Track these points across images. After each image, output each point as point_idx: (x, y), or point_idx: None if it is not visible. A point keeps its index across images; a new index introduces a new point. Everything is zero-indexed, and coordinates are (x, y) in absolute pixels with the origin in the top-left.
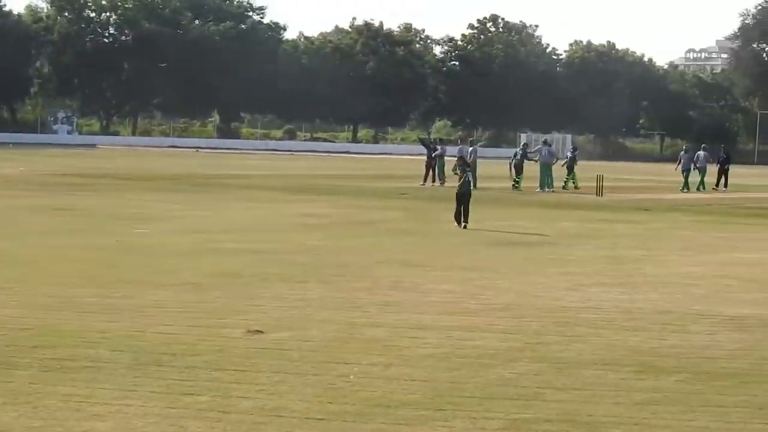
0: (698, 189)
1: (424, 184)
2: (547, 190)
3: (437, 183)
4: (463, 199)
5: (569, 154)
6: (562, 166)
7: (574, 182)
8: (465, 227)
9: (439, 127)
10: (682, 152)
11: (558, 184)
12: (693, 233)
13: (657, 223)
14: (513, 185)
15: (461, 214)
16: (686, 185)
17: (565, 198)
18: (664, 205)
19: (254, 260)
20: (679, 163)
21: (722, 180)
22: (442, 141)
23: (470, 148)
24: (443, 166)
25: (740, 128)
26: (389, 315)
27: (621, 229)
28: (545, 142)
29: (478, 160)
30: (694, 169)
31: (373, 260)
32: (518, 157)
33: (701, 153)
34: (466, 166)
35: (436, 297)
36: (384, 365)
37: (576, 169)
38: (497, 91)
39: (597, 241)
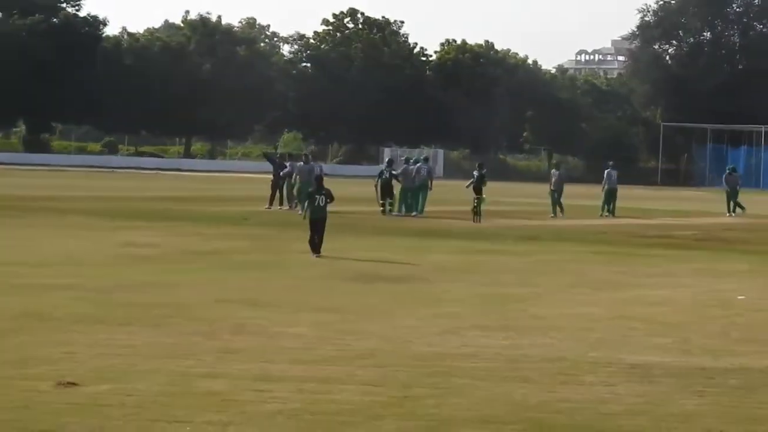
0: (607, 214)
1: (270, 208)
2: (414, 213)
3: (286, 207)
4: (317, 225)
5: (476, 173)
6: (467, 186)
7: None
8: (318, 256)
9: (288, 140)
10: (553, 170)
11: (464, 207)
12: (587, 267)
13: (545, 254)
14: (382, 210)
15: (314, 242)
16: (556, 208)
17: (438, 225)
18: (552, 232)
19: (67, 298)
20: (550, 184)
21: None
22: (291, 156)
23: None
24: (293, 187)
25: (640, 143)
26: (230, 364)
27: (503, 261)
28: (425, 159)
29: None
30: (603, 189)
31: (212, 299)
32: (385, 176)
33: (612, 172)
34: (320, 189)
35: (287, 342)
36: (222, 424)
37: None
38: (355, 98)
39: (476, 276)
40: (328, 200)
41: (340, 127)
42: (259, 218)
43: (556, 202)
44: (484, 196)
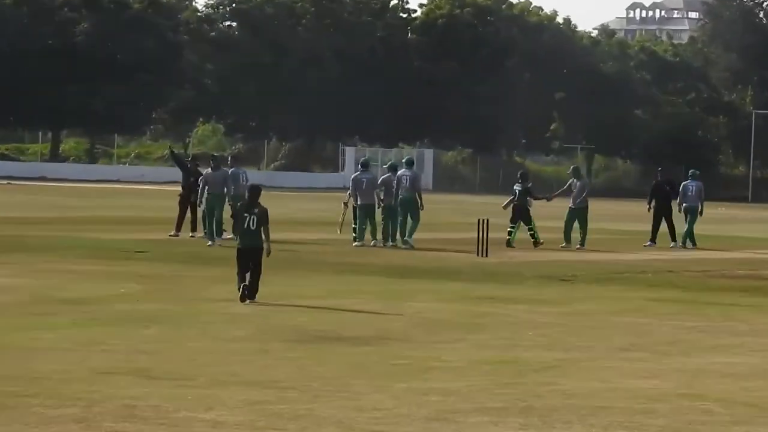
0: (684, 244)
1: (177, 234)
2: (392, 243)
3: (199, 234)
4: (247, 258)
5: (518, 188)
6: (506, 207)
7: (534, 234)
8: (250, 302)
9: (204, 135)
10: (572, 179)
11: (462, 234)
12: (644, 321)
13: (582, 302)
14: (354, 237)
15: (247, 284)
16: (582, 236)
17: (427, 260)
18: (593, 270)
19: None
20: (564, 192)
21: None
22: (215, 158)
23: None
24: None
25: (722, 139)
26: None
27: (520, 314)
28: (409, 163)
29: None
30: (679, 210)
31: (88, 367)
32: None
33: (692, 184)
34: (252, 205)
35: None
36: None
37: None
38: (303, 74)
39: (482, 334)
40: (263, 224)
41: (281, 117)
42: (161, 250)
43: (578, 226)
44: (532, 224)
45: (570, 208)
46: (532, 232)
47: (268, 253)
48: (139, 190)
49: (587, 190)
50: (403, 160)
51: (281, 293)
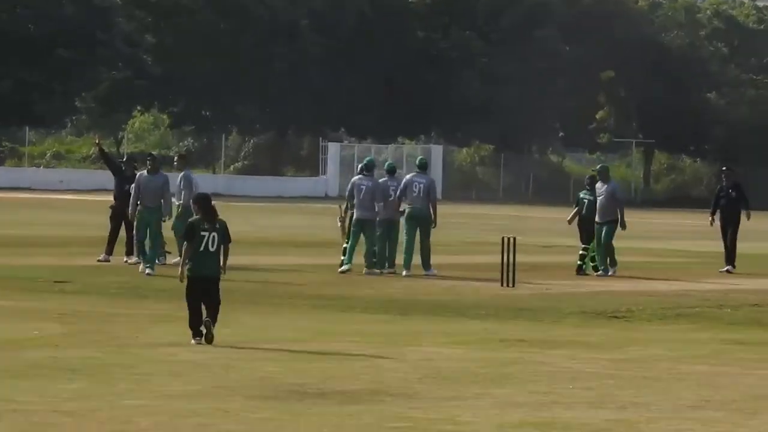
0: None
1: (108, 259)
2: (388, 270)
3: (134, 259)
4: (202, 288)
5: (586, 197)
6: (571, 221)
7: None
8: (200, 342)
9: (143, 126)
10: (597, 183)
11: (484, 258)
12: (721, 370)
13: (639, 346)
14: (341, 263)
15: (200, 319)
16: (606, 259)
17: (434, 291)
18: (655, 305)
19: None
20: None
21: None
22: (152, 158)
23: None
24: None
25: None
26: None
27: (559, 361)
28: (422, 166)
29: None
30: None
31: None
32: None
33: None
34: (208, 218)
35: None
36: None
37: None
38: (270, 46)
39: (506, 389)
40: (224, 244)
41: (244, 105)
42: (88, 279)
43: (602, 246)
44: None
45: (596, 222)
46: (592, 254)
47: (223, 273)
48: (57, 200)
49: (618, 198)
50: (416, 162)
51: (245, 336)
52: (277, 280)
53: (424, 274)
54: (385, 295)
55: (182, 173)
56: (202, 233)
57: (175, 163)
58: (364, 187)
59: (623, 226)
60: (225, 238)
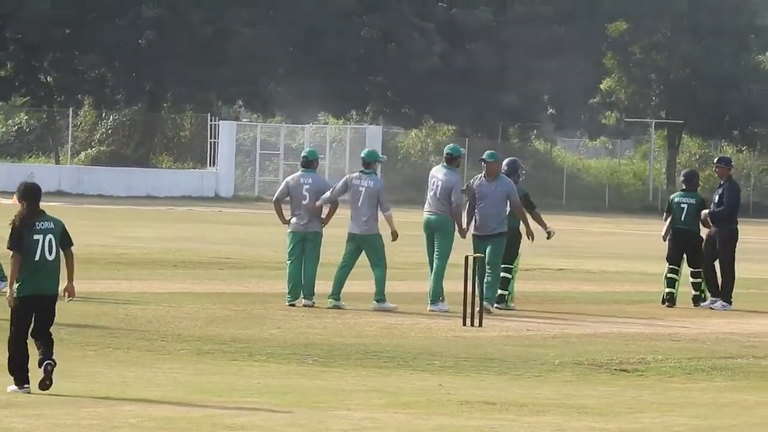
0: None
1: None
2: (388, 305)
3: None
4: (32, 312)
5: (685, 201)
6: (667, 237)
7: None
8: (42, 385)
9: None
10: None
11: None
12: None
13: (654, 412)
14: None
15: (26, 357)
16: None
17: (365, 331)
18: (678, 353)
19: None
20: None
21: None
22: None
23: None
24: None
25: None
26: None
27: None
28: (452, 160)
29: None
30: None
31: None
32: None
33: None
34: (36, 216)
35: None
36: None
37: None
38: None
39: None
40: (67, 244)
41: (99, 66)
42: None
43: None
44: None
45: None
46: (699, 281)
47: (71, 295)
48: None
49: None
50: (447, 150)
51: (100, 393)
52: (144, 314)
53: (429, 310)
54: (297, 338)
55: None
56: (34, 237)
57: None
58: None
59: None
60: (64, 242)
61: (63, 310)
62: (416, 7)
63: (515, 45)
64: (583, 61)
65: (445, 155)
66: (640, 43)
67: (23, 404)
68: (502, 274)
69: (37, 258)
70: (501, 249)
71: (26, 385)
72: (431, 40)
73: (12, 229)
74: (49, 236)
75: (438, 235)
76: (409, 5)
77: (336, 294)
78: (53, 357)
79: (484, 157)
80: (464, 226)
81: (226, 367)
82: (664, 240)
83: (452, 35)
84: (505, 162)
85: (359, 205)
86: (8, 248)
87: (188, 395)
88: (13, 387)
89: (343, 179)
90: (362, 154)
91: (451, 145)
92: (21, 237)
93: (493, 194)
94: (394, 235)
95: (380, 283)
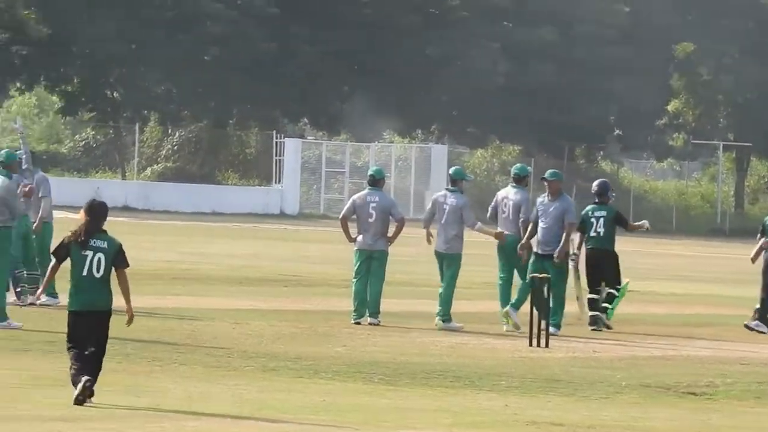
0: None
1: None
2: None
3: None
4: (85, 327)
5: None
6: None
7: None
8: (83, 401)
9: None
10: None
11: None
12: None
13: None
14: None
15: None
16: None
17: (432, 349)
18: (750, 377)
19: None
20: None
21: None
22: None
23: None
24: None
25: None
26: None
27: None
28: (518, 180)
29: None
30: None
31: None
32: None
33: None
34: (94, 230)
35: None
36: None
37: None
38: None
39: None
40: (119, 265)
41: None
42: None
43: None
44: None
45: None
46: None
47: (130, 320)
48: None
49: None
50: (515, 170)
51: (166, 408)
52: (210, 330)
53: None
54: (363, 356)
55: (36, 174)
56: (83, 252)
57: (21, 160)
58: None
59: None
60: (117, 260)
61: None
62: (481, 26)
63: (581, 65)
64: (650, 82)
65: (512, 175)
66: (707, 65)
67: (89, 418)
68: (608, 290)
69: (84, 273)
70: (562, 268)
71: (81, 399)
72: (496, 59)
73: (62, 239)
74: (99, 255)
75: (514, 254)
76: (475, 24)
77: (443, 313)
78: (96, 374)
79: (545, 175)
80: (523, 240)
81: (291, 385)
82: (753, 262)
83: (517, 55)
84: (595, 183)
85: (444, 222)
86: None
87: (253, 412)
88: (77, 393)
89: (432, 199)
90: (450, 172)
91: (519, 165)
92: (66, 250)
93: (552, 213)
94: (497, 236)
95: (447, 302)
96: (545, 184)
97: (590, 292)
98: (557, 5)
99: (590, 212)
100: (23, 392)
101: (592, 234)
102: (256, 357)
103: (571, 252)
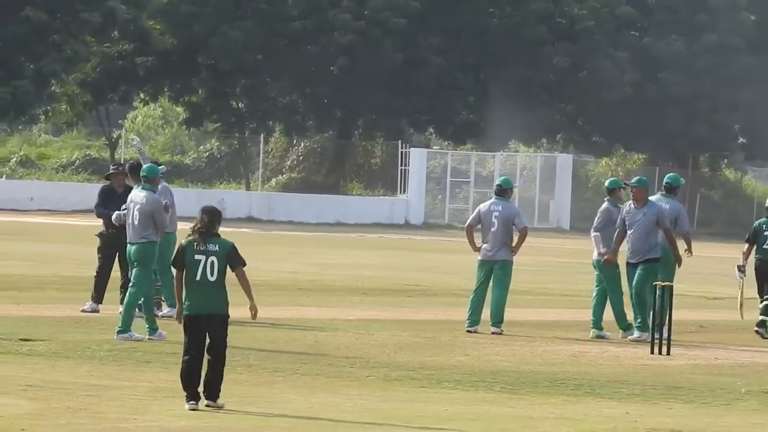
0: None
1: (97, 308)
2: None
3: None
4: (201, 330)
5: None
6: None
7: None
8: (204, 403)
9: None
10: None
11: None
12: None
13: None
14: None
15: (191, 378)
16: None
17: (553, 358)
18: None
19: None
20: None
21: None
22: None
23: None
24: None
25: None
26: None
27: None
28: (671, 186)
29: None
30: None
31: None
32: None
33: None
34: (209, 234)
35: None
36: None
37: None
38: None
39: None
40: (234, 265)
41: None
42: (63, 338)
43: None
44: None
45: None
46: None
47: (254, 314)
48: (25, 224)
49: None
50: (667, 180)
51: (288, 416)
52: (333, 341)
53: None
54: (485, 365)
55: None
56: (196, 257)
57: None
58: (496, 216)
59: None
60: (232, 261)
61: (252, 336)
62: (608, 36)
63: (707, 74)
64: None
65: (664, 184)
66: None
67: (209, 428)
68: (765, 303)
69: (197, 278)
70: (647, 276)
71: (192, 401)
72: (623, 69)
73: (177, 247)
74: (212, 258)
75: (665, 267)
76: (601, 34)
77: (596, 324)
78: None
79: (631, 182)
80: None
81: (414, 394)
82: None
83: (644, 64)
84: None
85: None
86: (171, 264)
87: (376, 422)
88: (186, 406)
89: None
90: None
91: (671, 174)
92: (182, 256)
93: (641, 220)
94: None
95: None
96: (631, 191)
97: (761, 300)
98: (684, 15)
99: (763, 225)
100: (143, 403)
101: (765, 247)
102: (378, 367)
103: (741, 263)
